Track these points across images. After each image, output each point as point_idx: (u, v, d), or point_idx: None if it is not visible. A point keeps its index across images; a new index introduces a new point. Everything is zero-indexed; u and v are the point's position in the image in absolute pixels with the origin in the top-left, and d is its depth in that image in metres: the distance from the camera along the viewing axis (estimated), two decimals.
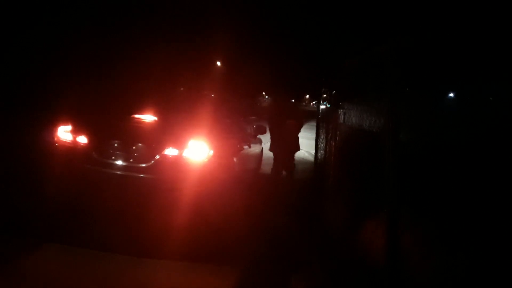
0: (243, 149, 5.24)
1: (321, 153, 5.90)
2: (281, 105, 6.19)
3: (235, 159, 4.70)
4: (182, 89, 7.03)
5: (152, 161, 3.73)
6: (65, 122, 4.03)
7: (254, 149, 6.04)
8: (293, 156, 6.37)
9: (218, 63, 23.17)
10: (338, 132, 4.33)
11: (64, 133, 4.00)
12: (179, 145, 3.79)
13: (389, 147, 2.37)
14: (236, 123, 5.50)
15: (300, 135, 6.22)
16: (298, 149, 6.28)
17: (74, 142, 3.92)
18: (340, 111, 4.28)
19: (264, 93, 30.58)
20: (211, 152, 3.91)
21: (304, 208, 4.92)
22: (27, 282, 2.70)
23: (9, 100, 6.68)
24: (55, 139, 4.04)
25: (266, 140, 6.56)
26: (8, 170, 4.51)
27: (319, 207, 4.67)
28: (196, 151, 3.83)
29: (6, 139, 5.35)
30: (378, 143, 2.57)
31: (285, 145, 6.05)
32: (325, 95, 6.29)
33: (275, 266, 3.30)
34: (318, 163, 6.38)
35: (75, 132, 3.95)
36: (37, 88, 7.37)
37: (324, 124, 5.81)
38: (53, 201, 3.77)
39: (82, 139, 3.91)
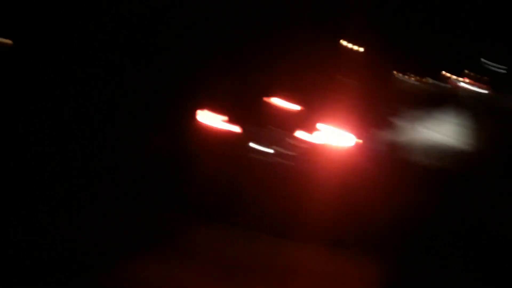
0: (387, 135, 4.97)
1: (477, 140, 5.22)
2: None
3: (380, 147, 4.50)
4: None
5: (299, 150, 3.77)
6: (205, 107, 4.10)
7: (398, 136, 5.66)
8: None
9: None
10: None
11: (207, 118, 4.10)
12: (323, 133, 3.75)
13: None
14: (376, 108, 5.22)
15: (440, 118, 5.41)
16: None
17: (221, 127, 4.10)
18: None
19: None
20: (358, 141, 3.80)
21: (461, 204, 4.44)
22: (193, 255, 2.96)
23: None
24: (200, 123, 4.13)
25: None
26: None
27: (480, 204, 4.19)
28: (342, 140, 3.76)
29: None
30: None
31: None
32: None
33: (423, 265, 3.18)
34: (471, 153, 5.67)
35: (219, 117, 4.05)
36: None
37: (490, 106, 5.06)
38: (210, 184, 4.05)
39: (231, 126, 4.08)
